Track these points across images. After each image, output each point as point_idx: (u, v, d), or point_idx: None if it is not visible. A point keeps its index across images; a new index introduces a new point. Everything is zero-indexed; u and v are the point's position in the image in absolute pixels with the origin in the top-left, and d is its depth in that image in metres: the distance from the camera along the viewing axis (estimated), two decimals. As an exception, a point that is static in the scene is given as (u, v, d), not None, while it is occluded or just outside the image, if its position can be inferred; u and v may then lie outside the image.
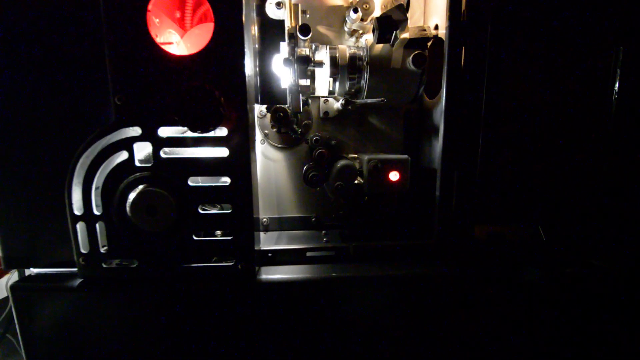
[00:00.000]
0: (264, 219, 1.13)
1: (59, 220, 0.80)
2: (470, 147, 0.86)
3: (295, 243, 1.01)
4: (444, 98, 0.84)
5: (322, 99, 1.07)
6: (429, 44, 0.91)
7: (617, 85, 0.89)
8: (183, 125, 0.66)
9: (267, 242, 1.05)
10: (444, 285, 0.84)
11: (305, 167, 1.05)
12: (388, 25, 0.78)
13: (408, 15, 0.86)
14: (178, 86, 0.67)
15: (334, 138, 1.08)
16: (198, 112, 0.64)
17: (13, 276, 1.29)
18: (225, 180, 0.76)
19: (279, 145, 1.10)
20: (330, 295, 0.83)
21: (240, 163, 0.74)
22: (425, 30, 0.89)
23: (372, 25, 0.97)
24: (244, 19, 0.70)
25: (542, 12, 0.84)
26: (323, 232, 1.10)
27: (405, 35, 0.87)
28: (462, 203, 0.89)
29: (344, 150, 1.11)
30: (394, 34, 0.81)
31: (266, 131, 1.09)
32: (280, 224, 1.14)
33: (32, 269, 0.88)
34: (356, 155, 1.09)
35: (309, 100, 1.05)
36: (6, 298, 1.29)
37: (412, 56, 0.85)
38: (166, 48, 0.71)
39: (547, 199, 0.92)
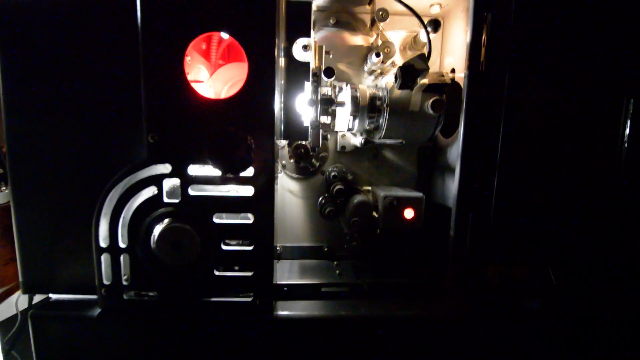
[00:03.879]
0: (277, 247, 1.14)
1: (80, 247, 0.82)
2: (485, 190, 0.89)
3: (309, 274, 1.03)
4: (461, 143, 0.87)
5: (339, 133, 1.11)
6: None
7: (627, 133, 0.92)
8: (215, 168, 0.68)
9: (280, 270, 1.06)
10: (456, 328, 0.86)
11: (321, 199, 1.07)
12: (410, 74, 0.82)
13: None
14: (211, 129, 0.70)
15: (350, 172, 1.11)
16: (230, 156, 0.66)
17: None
18: (249, 217, 0.78)
19: (295, 176, 1.13)
20: (344, 332, 0.84)
21: (264, 202, 0.77)
22: (443, 75, 0.92)
23: (391, 68, 1.01)
24: (276, 66, 0.73)
25: (558, 63, 0.88)
26: (335, 263, 1.12)
27: (425, 80, 0.90)
28: (476, 244, 0.91)
29: (358, 182, 1.14)
30: (414, 81, 0.84)
31: (284, 162, 1.11)
32: (292, 253, 1.16)
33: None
34: (370, 188, 1.11)
35: (328, 135, 1.08)
36: (15, 316, 1.29)
37: (431, 101, 0.88)
38: (196, 86, 0.75)
39: (558, 242, 0.94)
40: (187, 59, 0.86)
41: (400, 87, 0.84)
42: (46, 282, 0.87)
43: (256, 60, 0.71)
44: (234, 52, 1.06)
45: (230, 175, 0.68)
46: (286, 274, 1.05)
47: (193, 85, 0.73)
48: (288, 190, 1.14)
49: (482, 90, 0.86)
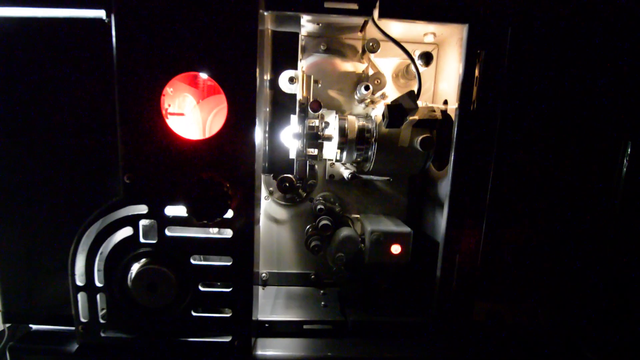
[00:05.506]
0: (263, 274, 1.13)
1: (59, 279, 0.81)
2: (474, 232, 0.87)
3: (293, 305, 1.01)
4: (449, 185, 0.84)
5: (328, 162, 1.08)
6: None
7: (623, 175, 0.89)
8: (190, 215, 0.66)
9: (265, 297, 1.05)
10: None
11: (307, 230, 1.05)
12: (398, 113, 0.79)
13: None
14: (188, 174, 0.68)
15: (338, 201, 1.09)
16: (206, 204, 0.64)
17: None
18: (228, 258, 0.77)
19: (283, 203, 1.11)
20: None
21: (243, 245, 0.75)
22: (434, 110, 0.89)
23: (381, 99, 0.98)
24: (257, 105, 0.71)
25: (552, 105, 0.85)
26: (321, 292, 1.10)
27: (415, 116, 0.87)
28: (462, 283, 0.89)
29: (347, 210, 1.12)
30: (403, 117, 0.82)
31: (271, 188, 1.09)
32: (279, 280, 1.14)
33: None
34: (358, 216, 1.09)
35: (316, 166, 1.06)
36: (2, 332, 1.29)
37: (420, 139, 0.85)
38: (175, 124, 0.72)
39: (548, 284, 0.92)
40: (169, 90, 0.84)
41: (388, 126, 0.82)
42: (26, 313, 0.87)
43: (236, 101, 0.69)
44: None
45: (206, 222, 0.66)
46: (271, 300, 1.04)
47: (170, 124, 0.71)
48: (275, 217, 1.12)
49: (472, 130, 0.83)
